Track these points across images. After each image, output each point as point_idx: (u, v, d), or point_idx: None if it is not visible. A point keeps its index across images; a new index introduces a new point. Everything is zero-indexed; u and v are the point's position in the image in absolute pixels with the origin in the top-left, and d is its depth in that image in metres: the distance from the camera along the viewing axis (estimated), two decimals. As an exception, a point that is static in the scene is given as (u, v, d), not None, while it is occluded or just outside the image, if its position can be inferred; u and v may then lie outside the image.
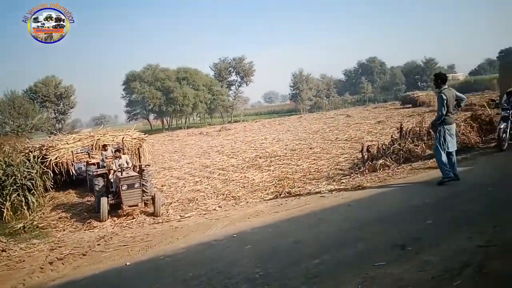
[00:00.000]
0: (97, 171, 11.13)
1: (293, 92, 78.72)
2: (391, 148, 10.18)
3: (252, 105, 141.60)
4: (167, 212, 10.09)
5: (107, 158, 12.32)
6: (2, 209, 10.64)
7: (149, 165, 12.30)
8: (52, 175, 13.75)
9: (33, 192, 11.47)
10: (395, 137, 11.53)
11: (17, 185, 11.05)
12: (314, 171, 13.00)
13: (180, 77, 63.06)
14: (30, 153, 13.87)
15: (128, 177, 9.98)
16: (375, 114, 35.64)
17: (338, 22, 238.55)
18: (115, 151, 11.50)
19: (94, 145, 15.82)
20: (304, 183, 11.28)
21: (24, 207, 10.99)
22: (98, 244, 5.90)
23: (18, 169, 11.37)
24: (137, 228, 8.10)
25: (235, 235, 5.41)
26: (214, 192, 11.72)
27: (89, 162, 14.03)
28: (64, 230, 9.51)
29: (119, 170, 10.38)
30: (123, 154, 11.64)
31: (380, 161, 9.49)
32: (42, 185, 12.86)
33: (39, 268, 4.90)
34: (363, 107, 56.57)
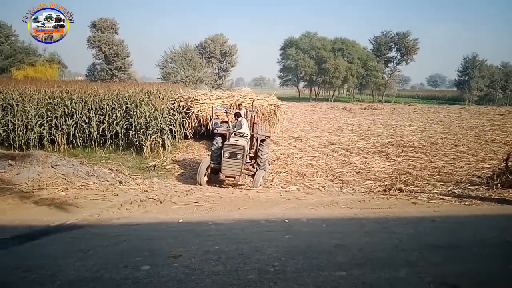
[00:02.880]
0: (217, 130, 10.79)
1: (461, 78, 68.76)
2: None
3: (413, 86, 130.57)
4: (272, 180, 10.29)
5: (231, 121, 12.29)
6: (143, 147, 12.57)
7: (269, 136, 11.35)
8: (193, 125, 15.43)
9: (169, 137, 13.10)
10: None
11: (158, 128, 12.78)
12: (446, 173, 11.36)
13: (336, 47, 61.58)
14: (176, 102, 15.76)
15: (232, 145, 9.36)
16: (562, 119, 28.64)
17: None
18: (234, 114, 11.09)
19: (233, 105, 16.86)
20: (427, 183, 10.02)
21: (160, 148, 12.74)
22: (178, 196, 6.40)
23: (161, 115, 13.08)
24: (223, 190, 8.33)
25: (287, 221, 5.17)
26: (326, 171, 11.39)
27: (223, 120, 15.05)
28: (182, 176, 10.66)
29: (232, 134, 10.01)
30: (244, 118, 11.26)
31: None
32: (180, 132, 14.61)
33: (119, 205, 5.61)
34: (550, 108, 45.92)
